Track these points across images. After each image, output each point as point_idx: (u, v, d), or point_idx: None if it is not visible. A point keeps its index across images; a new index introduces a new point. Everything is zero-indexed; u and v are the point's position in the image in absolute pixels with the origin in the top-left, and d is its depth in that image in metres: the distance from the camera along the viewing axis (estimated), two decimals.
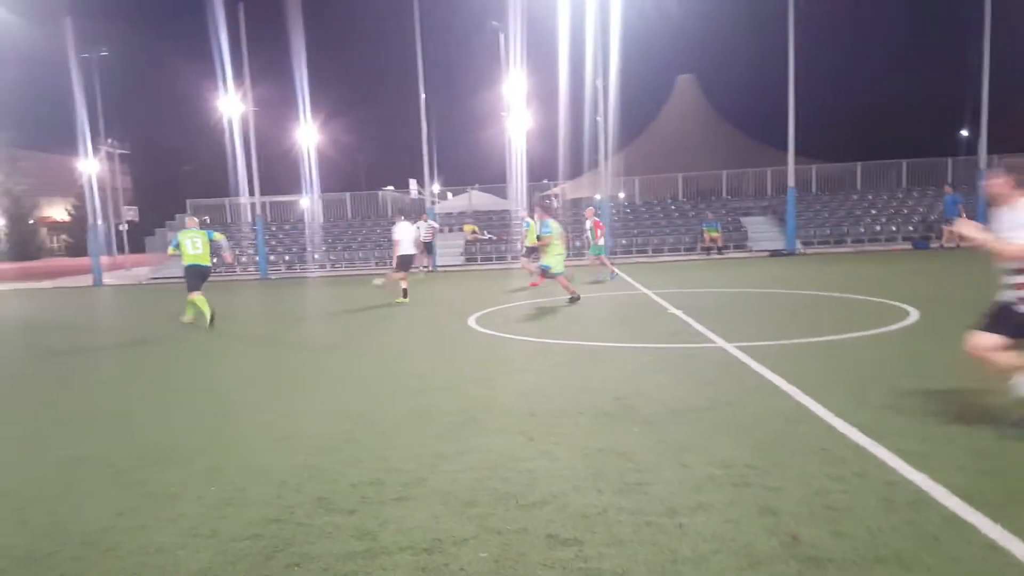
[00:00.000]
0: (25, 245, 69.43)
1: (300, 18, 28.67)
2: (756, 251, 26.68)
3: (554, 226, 13.13)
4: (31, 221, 75.47)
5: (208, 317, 11.69)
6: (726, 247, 26.69)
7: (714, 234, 26.32)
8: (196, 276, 12.01)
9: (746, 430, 4.99)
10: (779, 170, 28.92)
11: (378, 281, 16.10)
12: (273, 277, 26.11)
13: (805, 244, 26.84)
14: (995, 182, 4.68)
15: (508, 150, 31.53)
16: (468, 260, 27.81)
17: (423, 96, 24.37)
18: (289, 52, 29.65)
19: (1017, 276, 4.54)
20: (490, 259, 27.08)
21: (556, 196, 33.70)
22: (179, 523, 3.89)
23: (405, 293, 14.59)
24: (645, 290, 14.80)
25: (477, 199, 33.11)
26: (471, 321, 11.15)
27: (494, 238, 27.41)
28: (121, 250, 42.76)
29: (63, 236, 79.53)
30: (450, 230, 29.66)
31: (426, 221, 24.39)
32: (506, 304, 13.67)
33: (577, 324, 10.68)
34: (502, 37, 30.73)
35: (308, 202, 34.90)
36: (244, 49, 25.75)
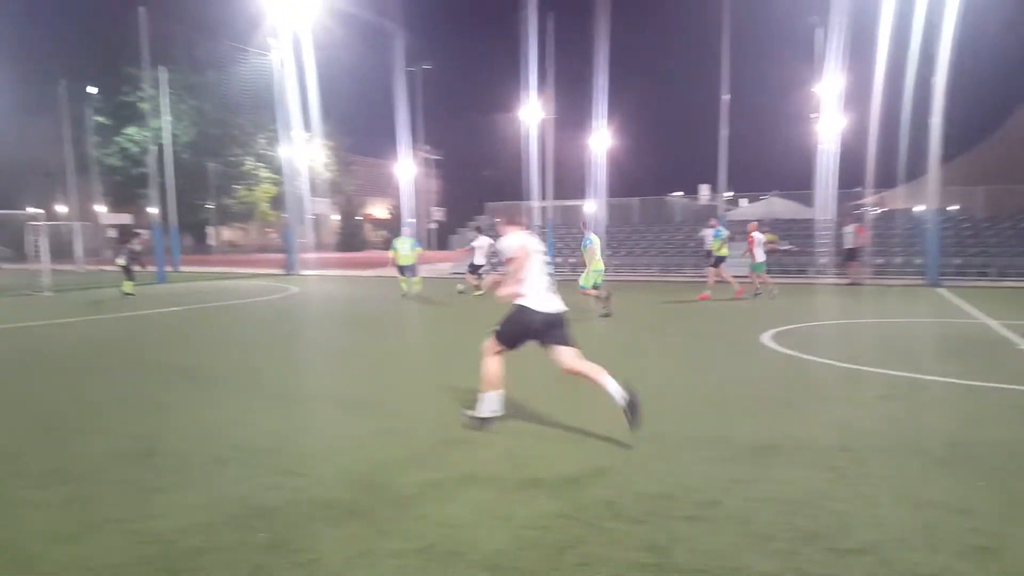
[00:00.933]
0: (352, 238, 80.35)
1: (604, 24, 29.24)
2: None
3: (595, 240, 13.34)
4: (358, 218, 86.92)
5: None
6: None
7: None
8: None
9: None
10: None
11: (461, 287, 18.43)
12: (557, 279, 27.07)
13: None
14: None
15: (816, 154, 29.28)
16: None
17: (724, 97, 23.51)
18: (589, 58, 30.45)
19: None
20: (788, 271, 25.32)
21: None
22: (477, 502, 4.08)
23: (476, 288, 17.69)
24: (986, 319, 12.65)
25: (776, 206, 31.22)
26: (766, 338, 10.45)
27: (794, 248, 25.59)
28: (429, 246, 47.71)
29: (382, 232, 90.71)
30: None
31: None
32: (808, 322, 12.62)
33: (896, 352, 9.46)
34: (818, 33, 28.63)
35: (594, 206, 35.66)
36: (550, 59, 27.03)
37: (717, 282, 17.71)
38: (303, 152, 35.69)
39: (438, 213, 47.40)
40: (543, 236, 29.31)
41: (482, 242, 18.29)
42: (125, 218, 56.79)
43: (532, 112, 29.09)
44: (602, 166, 35.17)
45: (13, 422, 6.05)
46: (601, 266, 13.41)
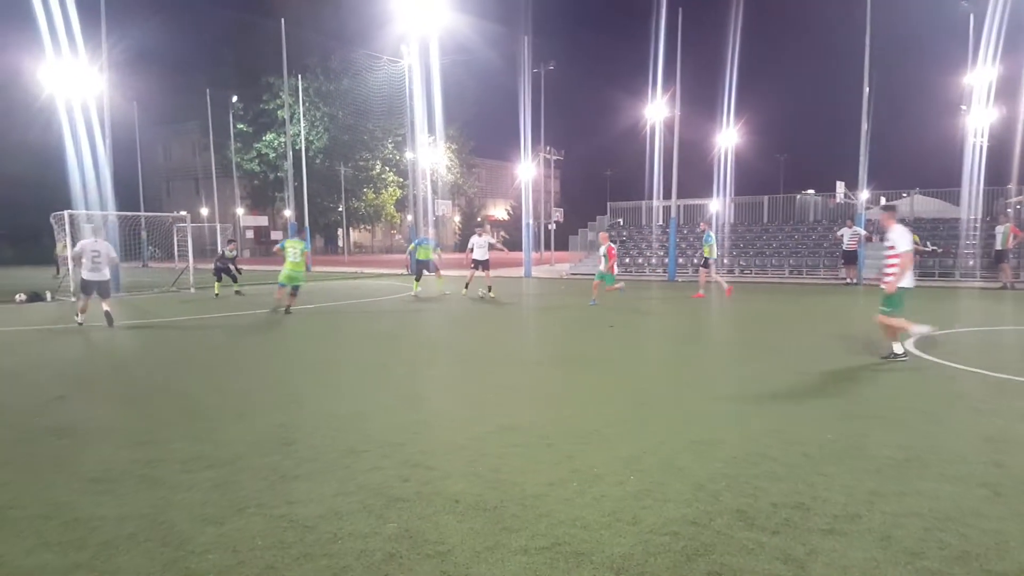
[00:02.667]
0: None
1: (735, 16, 28.29)
2: None
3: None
4: (479, 219, 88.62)
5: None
6: None
7: None
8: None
9: None
10: None
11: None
12: (680, 280, 26.47)
13: None
14: None
15: (964, 149, 27.12)
16: None
17: (866, 91, 22.15)
18: (719, 53, 29.59)
19: None
20: (932, 274, 23.61)
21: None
22: (602, 504, 4.03)
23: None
24: None
25: (919, 205, 29.13)
26: (909, 344, 9.77)
27: (938, 250, 23.84)
28: (548, 247, 47.92)
29: (502, 232, 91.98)
30: (881, 239, 26.71)
31: (851, 228, 22.34)
32: (953, 328, 11.73)
33: None
34: (970, 18, 26.50)
35: (718, 205, 34.59)
36: (677, 54, 26.42)
37: (707, 282, 19.16)
38: (428, 156, 36.74)
39: (557, 214, 47.55)
40: (666, 235, 28.80)
41: (476, 240, 18.91)
42: (262, 220, 60.58)
43: (658, 110, 28.56)
44: (729, 164, 34.11)
45: (162, 410, 6.55)
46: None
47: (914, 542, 3.52)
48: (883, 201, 33.28)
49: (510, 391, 7.26)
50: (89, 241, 12.59)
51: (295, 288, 14.59)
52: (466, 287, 19.14)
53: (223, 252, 20.18)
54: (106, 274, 12.72)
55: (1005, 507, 3.98)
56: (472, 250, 18.71)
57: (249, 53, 57.79)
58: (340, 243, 70.98)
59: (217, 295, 18.95)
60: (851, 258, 22.46)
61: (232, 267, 19.63)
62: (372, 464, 4.77)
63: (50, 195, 27.83)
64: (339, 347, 10.62)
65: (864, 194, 23.96)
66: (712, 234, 18.61)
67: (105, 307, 12.52)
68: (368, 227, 77.39)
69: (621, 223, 34.24)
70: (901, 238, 8.50)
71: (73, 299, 15.62)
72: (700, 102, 58.24)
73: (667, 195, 29.62)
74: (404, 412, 6.33)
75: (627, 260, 30.31)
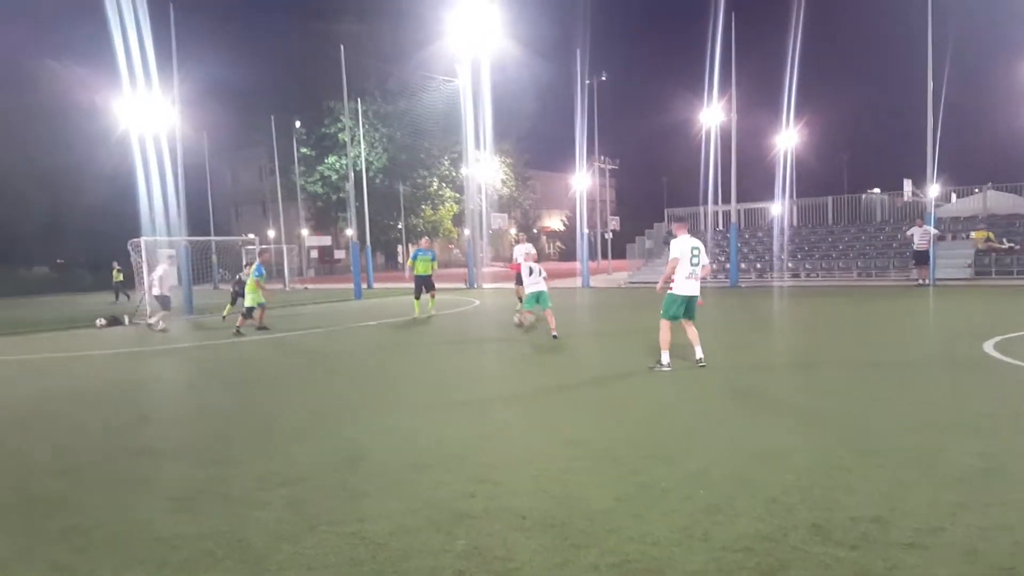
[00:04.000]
0: None
1: (792, 13, 27.70)
2: None
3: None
4: (535, 231, 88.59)
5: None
6: None
7: None
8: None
9: None
10: None
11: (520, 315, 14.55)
12: (743, 285, 25.95)
13: None
14: None
15: None
16: (978, 273, 23.62)
17: (931, 84, 21.42)
18: (776, 52, 28.99)
19: None
20: (1009, 273, 22.56)
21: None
22: (672, 520, 3.97)
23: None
24: None
25: (993, 201, 27.94)
26: (988, 347, 9.36)
27: (1016, 247, 22.79)
28: (605, 255, 47.70)
29: (558, 243, 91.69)
30: (953, 237, 25.68)
31: (921, 227, 21.57)
32: None
33: None
34: None
35: (780, 208, 33.83)
36: (733, 56, 26.01)
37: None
38: (484, 171, 37.09)
39: (613, 222, 47.40)
40: (725, 241, 28.30)
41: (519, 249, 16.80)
42: (326, 240, 61.98)
43: (713, 114, 28.18)
44: (790, 165, 33.36)
45: (235, 428, 6.75)
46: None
47: (1004, 556, 3.37)
48: (954, 198, 32.01)
49: (570, 405, 7.23)
50: (165, 266, 16.35)
51: None
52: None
53: (239, 276, 19.07)
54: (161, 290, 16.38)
55: None
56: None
57: (311, 80, 59.39)
58: (400, 259, 72.08)
59: (224, 317, 18.32)
60: (922, 258, 21.67)
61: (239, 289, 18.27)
62: (438, 479, 4.81)
63: (127, 223, 29.11)
64: (401, 363, 10.74)
65: (934, 191, 23.09)
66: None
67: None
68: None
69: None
70: (676, 246, 8.40)
71: (151, 320, 16.74)
72: (758, 103, 57.22)
73: (726, 199, 29.12)
74: (468, 425, 6.37)
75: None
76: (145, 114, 23.19)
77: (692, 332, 8.71)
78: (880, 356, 9.52)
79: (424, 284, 16.89)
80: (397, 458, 5.37)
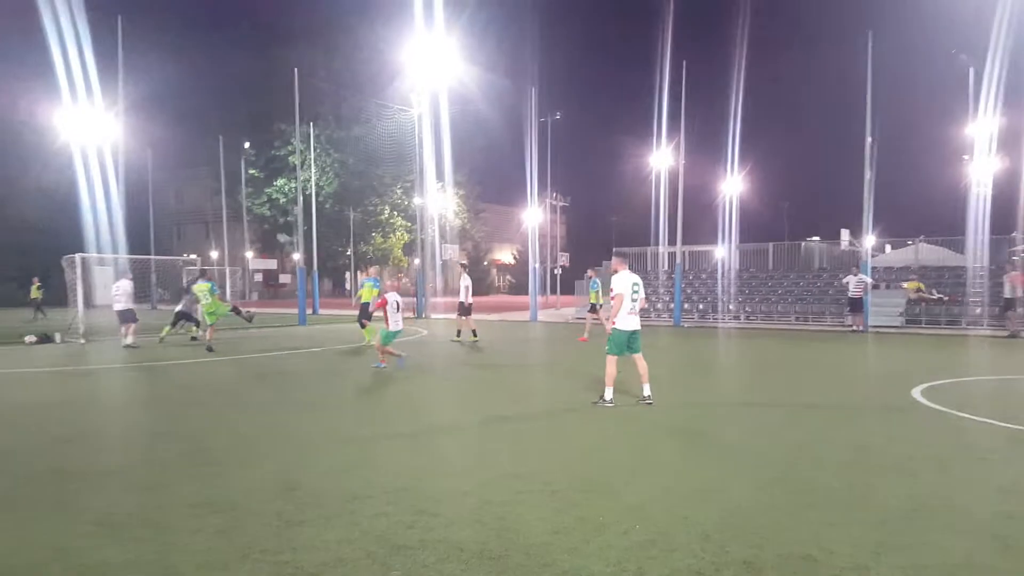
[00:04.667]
0: (479, 283, 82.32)
1: (738, 66, 28.81)
2: None
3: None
4: (485, 263, 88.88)
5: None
6: None
7: None
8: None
9: None
10: None
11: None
12: (686, 325, 26.44)
13: None
14: None
15: (968, 198, 27.27)
16: (909, 321, 24.56)
17: (868, 139, 22.46)
18: (723, 102, 30.05)
19: None
20: (938, 322, 23.56)
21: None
22: (607, 554, 4.00)
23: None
24: None
25: (924, 253, 29.23)
26: (916, 393, 9.73)
27: (945, 298, 23.85)
28: (554, 291, 48.11)
29: (508, 276, 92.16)
30: (887, 286, 26.71)
31: (857, 275, 22.39)
32: (962, 376, 11.65)
33: None
34: (971, 72, 26.94)
35: (723, 252, 34.75)
36: (682, 103, 26.81)
37: (595, 324, 18.95)
38: (436, 201, 37.14)
39: (563, 258, 47.89)
40: (670, 282, 28.86)
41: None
42: (271, 263, 60.98)
43: (662, 157, 28.94)
44: (734, 211, 34.31)
45: (169, 453, 6.54)
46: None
47: None
48: (888, 249, 33.39)
49: (512, 439, 7.23)
50: (119, 282, 16.74)
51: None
52: (458, 334, 19.10)
53: (187, 297, 18.55)
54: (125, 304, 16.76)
55: (1018, 560, 3.94)
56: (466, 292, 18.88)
57: (262, 100, 58.87)
58: (348, 286, 71.28)
59: (162, 339, 17.82)
60: (857, 305, 22.41)
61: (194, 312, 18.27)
62: (375, 510, 4.76)
63: (63, 239, 28.17)
64: (341, 390, 10.59)
65: (869, 241, 24.02)
66: (598, 281, 19.83)
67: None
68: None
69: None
70: (618, 282, 8.71)
71: (127, 340, 16.73)
72: (705, 149, 58.89)
73: (672, 241, 29.78)
74: (407, 456, 6.32)
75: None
76: (86, 127, 22.58)
77: (642, 366, 8.85)
78: (815, 398, 9.80)
79: (365, 312, 16.83)
80: (335, 488, 5.29)
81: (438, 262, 34.63)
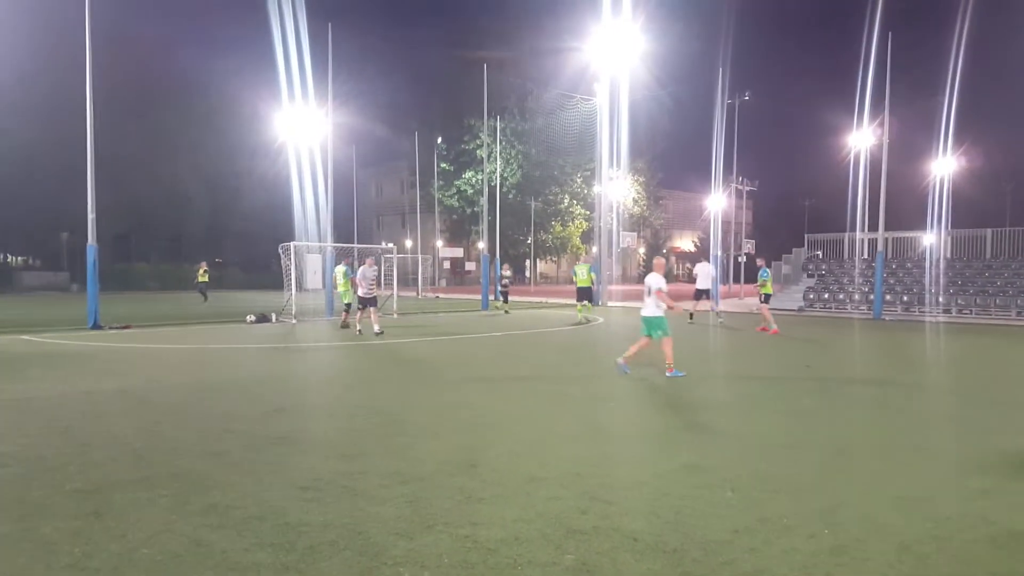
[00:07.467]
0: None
1: (954, 35, 25.92)
2: None
3: None
4: (664, 251, 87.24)
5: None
6: None
7: None
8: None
9: None
10: None
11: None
12: (887, 318, 24.29)
13: None
14: None
15: None
16: None
17: None
18: (935, 75, 27.19)
19: None
20: None
21: None
22: (792, 557, 3.80)
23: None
24: None
25: None
26: None
27: None
28: (737, 280, 46.04)
29: (687, 264, 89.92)
30: None
31: None
32: None
33: None
34: None
35: (932, 238, 31.50)
36: (887, 77, 24.51)
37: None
38: (615, 189, 36.92)
39: (748, 245, 45.66)
40: (870, 270, 26.65)
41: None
42: (458, 252, 63.81)
43: (864, 137, 26.70)
44: (946, 193, 31.05)
45: (363, 425, 7.08)
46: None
47: None
48: None
49: (695, 430, 7.06)
50: (364, 268, 16.39)
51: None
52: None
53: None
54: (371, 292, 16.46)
55: None
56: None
57: (454, 98, 61.66)
58: (527, 273, 72.95)
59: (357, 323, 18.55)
60: None
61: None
62: (552, 493, 4.85)
63: (279, 228, 31.24)
64: (513, 370, 10.86)
65: None
66: (768, 270, 19.10)
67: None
68: (554, 258, 78.92)
69: (820, 256, 32.26)
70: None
71: (294, 321, 18.51)
72: (912, 127, 53.68)
73: (872, 227, 27.42)
74: (584, 444, 6.36)
75: (826, 295, 28.42)
76: (302, 126, 24.91)
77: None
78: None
79: (584, 295, 21.00)
80: (514, 468, 5.45)
81: (615, 250, 34.41)
